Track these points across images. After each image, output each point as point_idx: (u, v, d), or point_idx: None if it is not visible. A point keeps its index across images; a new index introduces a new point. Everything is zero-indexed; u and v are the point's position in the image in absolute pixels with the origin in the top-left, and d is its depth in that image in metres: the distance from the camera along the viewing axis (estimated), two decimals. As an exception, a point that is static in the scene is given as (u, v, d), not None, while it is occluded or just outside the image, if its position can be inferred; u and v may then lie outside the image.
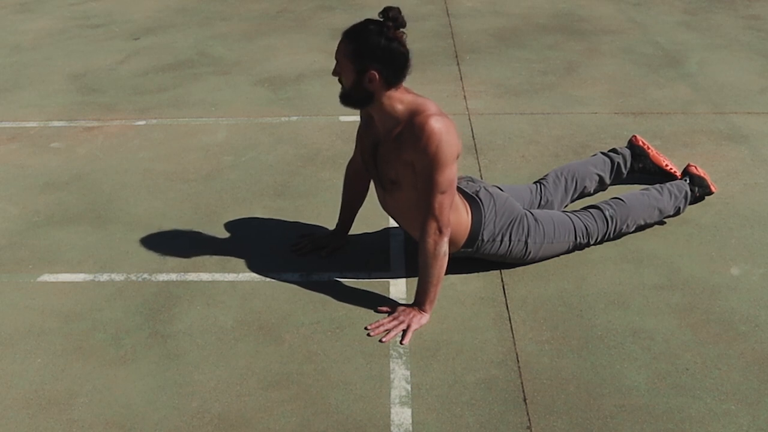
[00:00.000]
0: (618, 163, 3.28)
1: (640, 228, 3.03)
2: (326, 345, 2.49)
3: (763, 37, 5.42)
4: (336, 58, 2.49)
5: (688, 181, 3.18)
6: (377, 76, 2.43)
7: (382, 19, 2.41)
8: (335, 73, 2.51)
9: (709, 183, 3.23)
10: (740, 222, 3.11)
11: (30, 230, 3.23)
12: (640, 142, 3.35)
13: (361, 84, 2.45)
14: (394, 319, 2.56)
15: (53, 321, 2.65)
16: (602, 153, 3.34)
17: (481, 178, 3.49)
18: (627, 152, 3.33)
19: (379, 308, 2.64)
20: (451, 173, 2.46)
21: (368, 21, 2.45)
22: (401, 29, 2.43)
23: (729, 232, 3.04)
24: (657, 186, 3.10)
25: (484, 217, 2.71)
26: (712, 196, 3.26)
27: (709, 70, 4.80)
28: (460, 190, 2.74)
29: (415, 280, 2.61)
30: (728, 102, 4.31)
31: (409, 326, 2.53)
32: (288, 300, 2.72)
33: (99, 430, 2.18)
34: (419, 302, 2.58)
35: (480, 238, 2.71)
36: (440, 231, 2.49)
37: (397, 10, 2.42)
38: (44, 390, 2.34)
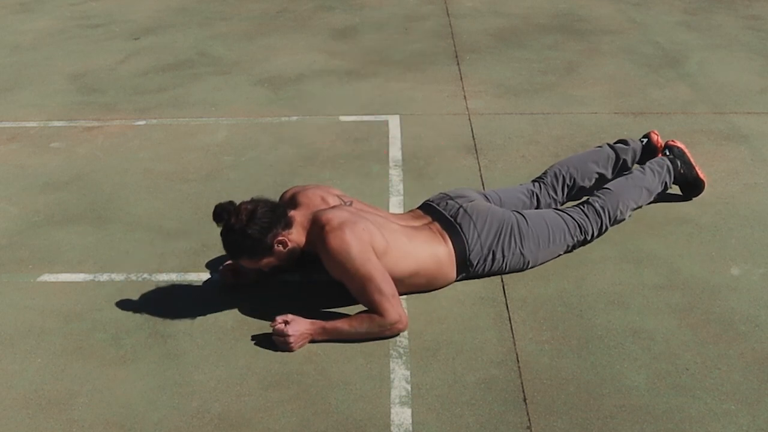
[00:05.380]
0: (624, 159, 3.22)
1: (634, 210, 3.05)
2: (326, 345, 2.49)
3: (763, 37, 5.42)
4: (248, 267, 2.62)
5: (668, 154, 3.18)
6: (285, 238, 2.51)
7: (224, 221, 2.49)
8: (264, 272, 2.66)
9: (693, 163, 3.18)
10: (740, 222, 3.11)
11: (30, 230, 3.23)
12: (655, 140, 3.28)
13: (282, 254, 2.53)
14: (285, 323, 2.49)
15: (53, 321, 2.65)
16: (609, 145, 3.26)
17: (481, 178, 3.49)
18: (638, 147, 3.27)
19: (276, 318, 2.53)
20: (368, 266, 2.43)
21: (225, 233, 2.50)
22: (238, 213, 2.47)
23: (729, 232, 3.04)
24: (638, 167, 3.12)
25: (467, 241, 2.69)
26: (712, 196, 3.26)
27: (709, 70, 4.80)
28: (438, 216, 2.73)
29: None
30: (728, 102, 4.31)
31: (289, 335, 2.45)
32: (288, 300, 2.72)
33: (99, 430, 2.18)
34: (320, 324, 2.49)
35: (468, 262, 2.70)
36: (393, 321, 2.45)
37: (219, 206, 2.50)
38: (44, 390, 2.34)
